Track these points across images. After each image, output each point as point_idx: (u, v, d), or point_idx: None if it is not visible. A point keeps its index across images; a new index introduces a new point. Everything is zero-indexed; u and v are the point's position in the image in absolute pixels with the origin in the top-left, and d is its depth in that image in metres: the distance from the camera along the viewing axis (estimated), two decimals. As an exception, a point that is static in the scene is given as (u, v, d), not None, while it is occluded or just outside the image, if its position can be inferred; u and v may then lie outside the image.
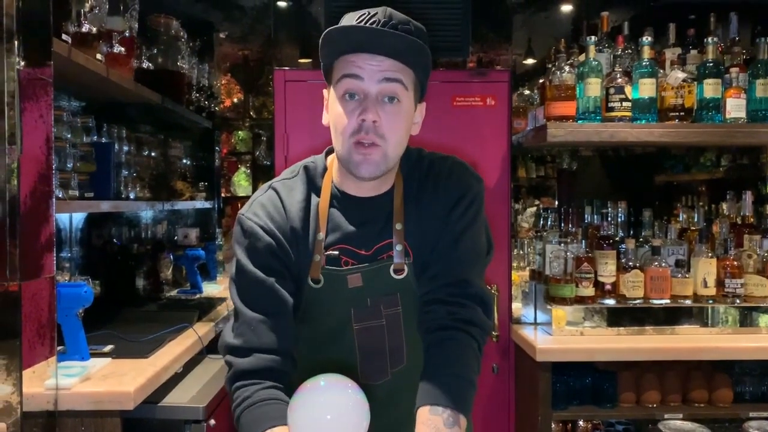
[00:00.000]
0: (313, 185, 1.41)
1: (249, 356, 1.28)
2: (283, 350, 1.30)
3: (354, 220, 1.38)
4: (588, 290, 2.65)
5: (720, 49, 2.77)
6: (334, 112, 1.32)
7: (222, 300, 3.17)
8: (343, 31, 1.27)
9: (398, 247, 1.36)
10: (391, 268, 1.36)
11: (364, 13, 1.28)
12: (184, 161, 3.58)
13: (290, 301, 1.33)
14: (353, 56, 1.28)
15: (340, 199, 1.39)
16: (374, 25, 1.26)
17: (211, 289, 3.52)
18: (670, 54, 2.82)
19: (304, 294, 1.37)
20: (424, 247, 1.37)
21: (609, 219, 2.80)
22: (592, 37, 2.65)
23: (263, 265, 1.33)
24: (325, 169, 1.42)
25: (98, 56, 2.24)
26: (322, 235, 1.36)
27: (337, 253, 1.36)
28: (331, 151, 1.42)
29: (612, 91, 2.62)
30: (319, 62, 1.35)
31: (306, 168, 1.43)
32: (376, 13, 1.28)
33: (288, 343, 1.31)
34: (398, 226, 1.37)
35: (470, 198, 1.39)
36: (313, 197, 1.39)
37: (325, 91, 1.39)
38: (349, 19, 1.30)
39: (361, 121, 1.27)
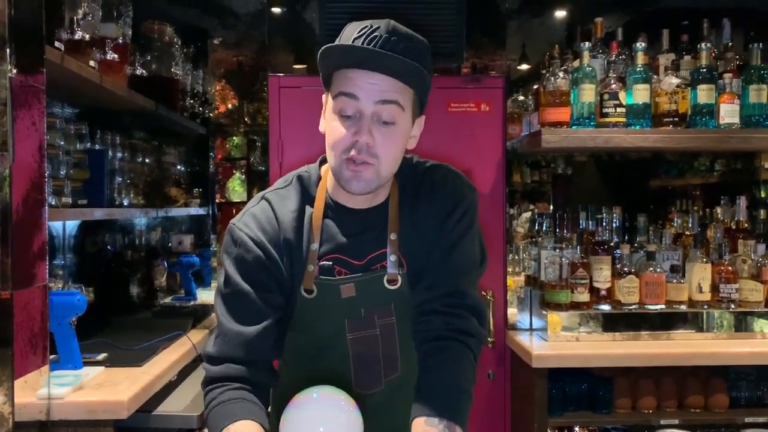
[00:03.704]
0: (306, 195, 1.39)
1: (221, 365, 1.30)
2: (255, 362, 1.30)
3: (348, 230, 1.37)
4: (583, 296, 2.65)
5: (713, 54, 2.77)
6: (329, 125, 1.31)
7: (216, 307, 3.15)
8: (341, 50, 1.26)
9: (392, 258, 1.35)
10: (385, 278, 1.36)
11: (366, 26, 1.25)
12: (179, 167, 3.56)
13: (272, 314, 1.32)
14: (352, 72, 1.26)
15: (334, 209, 1.38)
16: (375, 42, 1.23)
17: (205, 295, 3.50)
18: (664, 60, 2.82)
19: (297, 304, 1.36)
20: (418, 257, 1.37)
21: (604, 224, 2.81)
22: (586, 43, 2.66)
23: (249, 277, 1.32)
24: (319, 179, 1.41)
25: (91, 63, 2.23)
26: (315, 245, 1.35)
27: (330, 263, 1.35)
28: (325, 161, 1.40)
29: (606, 96, 2.62)
30: (314, 69, 1.34)
31: (300, 177, 1.41)
32: (379, 27, 1.24)
33: (262, 355, 1.32)
34: (392, 237, 1.36)
35: (464, 207, 1.39)
36: (307, 207, 1.38)
37: (324, 97, 1.37)
38: (351, 31, 1.27)
39: (354, 140, 1.26)
